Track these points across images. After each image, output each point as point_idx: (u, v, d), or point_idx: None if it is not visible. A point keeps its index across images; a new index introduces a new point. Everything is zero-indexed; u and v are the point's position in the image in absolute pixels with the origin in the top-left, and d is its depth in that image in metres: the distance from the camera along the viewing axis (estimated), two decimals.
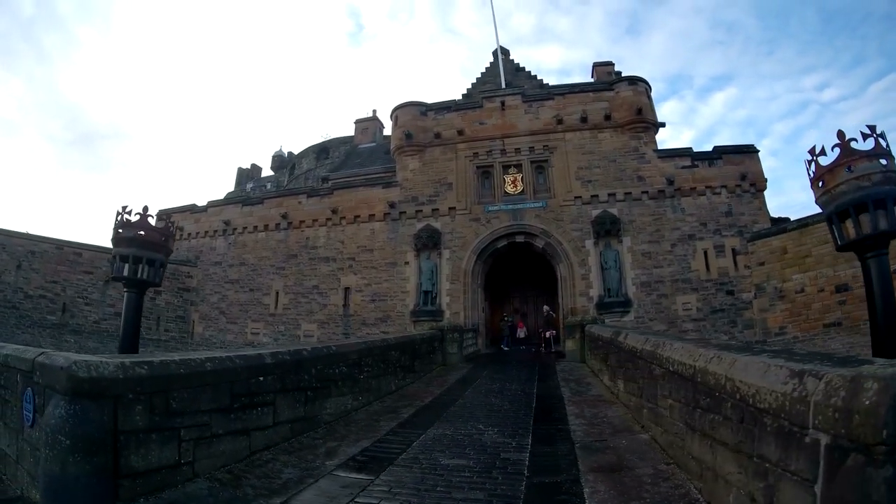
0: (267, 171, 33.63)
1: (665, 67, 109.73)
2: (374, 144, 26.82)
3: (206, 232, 20.93)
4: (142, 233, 7.84)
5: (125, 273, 7.91)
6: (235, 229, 20.41)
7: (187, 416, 3.81)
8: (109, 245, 22.30)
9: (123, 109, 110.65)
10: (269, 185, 29.12)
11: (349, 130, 28.49)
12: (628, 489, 3.81)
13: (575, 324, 15.05)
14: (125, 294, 7.92)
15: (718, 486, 3.11)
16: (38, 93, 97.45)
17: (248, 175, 32.20)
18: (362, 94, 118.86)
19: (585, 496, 3.71)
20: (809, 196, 8.23)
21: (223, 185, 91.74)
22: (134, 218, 8.53)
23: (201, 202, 22.47)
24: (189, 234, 21.30)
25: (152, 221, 8.62)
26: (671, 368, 4.33)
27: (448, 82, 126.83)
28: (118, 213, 8.07)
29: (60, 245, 21.29)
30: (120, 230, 7.91)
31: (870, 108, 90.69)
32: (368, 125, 28.09)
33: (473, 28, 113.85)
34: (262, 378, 4.85)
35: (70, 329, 21.34)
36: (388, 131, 28.65)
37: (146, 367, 3.53)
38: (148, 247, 7.95)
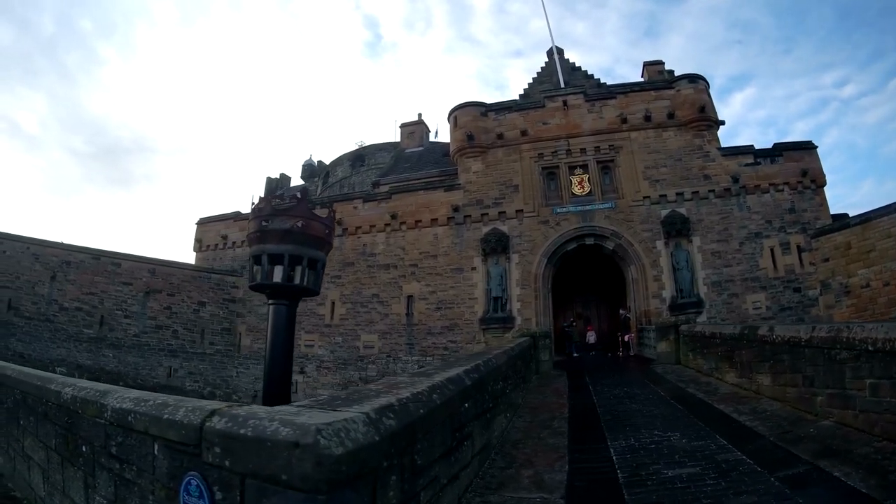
0: (297, 181, 32.73)
1: (684, 69, 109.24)
2: (421, 148, 26.07)
3: None
4: (300, 224, 5.45)
5: (276, 278, 5.53)
6: None
7: (424, 472, 2.85)
8: (147, 255, 21.42)
9: (146, 123, 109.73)
10: (299, 195, 28.13)
11: (380, 137, 27.92)
12: (871, 467, 3.81)
13: (668, 325, 14.70)
14: (271, 307, 5.52)
15: None
16: (59, 109, 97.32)
17: (277, 185, 31.24)
18: (388, 102, 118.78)
19: (843, 478, 3.70)
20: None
21: (252, 195, 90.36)
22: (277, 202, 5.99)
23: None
24: (234, 243, 20.37)
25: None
26: (870, 348, 4.45)
27: (469, 88, 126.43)
28: (264, 200, 5.75)
29: (97, 255, 20.27)
30: (266, 221, 5.50)
31: (892, 104, 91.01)
32: (414, 129, 27.34)
33: (490, 35, 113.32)
34: (466, 405, 4.11)
35: (108, 343, 20.32)
36: (434, 136, 28.18)
37: (393, 415, 2.44)
38: (310, 242, 5.58)
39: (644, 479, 4.33)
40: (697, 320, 16.75)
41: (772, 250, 17.40)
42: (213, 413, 2.15)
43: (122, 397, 2.88)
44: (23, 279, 20.68)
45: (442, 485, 3.22)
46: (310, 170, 31.42)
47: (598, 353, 17.78)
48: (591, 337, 18.17)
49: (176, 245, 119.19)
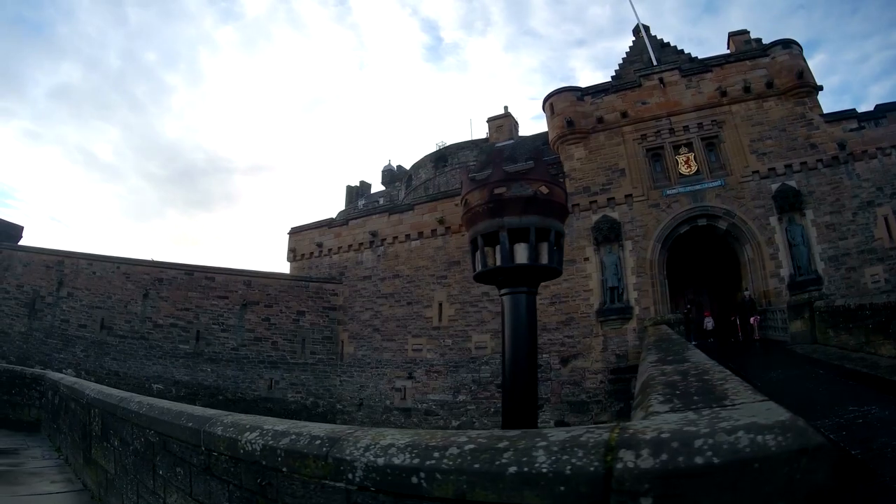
0: (377, 187, 32.70)
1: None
2: (512, 141, 25.51)
3: (350, 246, 19.65)
4: (545, 189, 4.20)
5: (520, 259, 4.20)
6: (384, 240, 19.12)
7: None
8: (241, 267, 21.17)
9: (219, 144, 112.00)
10: (381, 200, 27.89)
11: (456, 137, 27.43)
12: None
13: (802, 303, 14.35)
14: (507, 297, 4.13)
15: None
16: (133, 137, 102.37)
17: (357, 192, 31.16)
18: (457, 103, 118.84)
19: None
20: None
21: (332, 205, 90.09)
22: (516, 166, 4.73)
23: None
24: (329, 250, 20.03)
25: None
26: None
27: (535, 82, 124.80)
28: (493, 165, 4.43)
29: (190, 270, 20.08)
30: (499, 189, 4.21)
31: None
32: (503, 122, 26.88)
33: (550, 27, 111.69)
34: None
35: (206, 358, 20.23)
36: (522, 131, 27.69)
37: None
38: (555, 212, 4.31)
39: (880, 453, 4.20)
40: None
41: (885, 219, 16.72)
42: (609, 448, 1.40)
43: (377, 445, 1.82)
44: (115, 298, 20.64)
45: None
46: (390, 175, 31.14)
47: (716, 339, 17.34)
48: (709, 323, 17.68)
49: (265, 258, 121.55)
